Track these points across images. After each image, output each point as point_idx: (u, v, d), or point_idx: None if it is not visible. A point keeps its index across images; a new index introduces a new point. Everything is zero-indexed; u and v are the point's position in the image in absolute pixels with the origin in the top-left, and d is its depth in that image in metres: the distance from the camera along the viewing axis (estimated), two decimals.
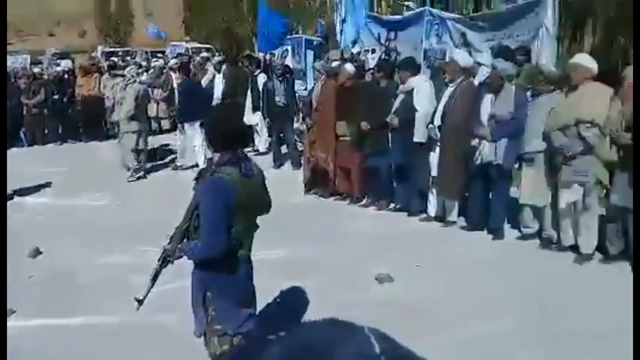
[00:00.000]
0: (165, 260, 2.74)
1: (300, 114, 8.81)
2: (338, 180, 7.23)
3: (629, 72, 5.02)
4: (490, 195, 5.61)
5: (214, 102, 9.67)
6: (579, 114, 4.69)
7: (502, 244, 5.39)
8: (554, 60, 6.80)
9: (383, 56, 9.07)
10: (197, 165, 8.61)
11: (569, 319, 3.76)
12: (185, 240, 2.69)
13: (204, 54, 15.67)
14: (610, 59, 9.02)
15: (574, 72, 4.87)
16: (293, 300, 4.26)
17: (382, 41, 9.53)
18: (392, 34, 9.38)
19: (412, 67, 6.48)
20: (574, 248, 4.89)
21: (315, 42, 11.95)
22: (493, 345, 3.52)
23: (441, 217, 6.03)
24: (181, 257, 2.69)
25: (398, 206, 6.59)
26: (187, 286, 2.82)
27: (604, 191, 4.71)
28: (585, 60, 4.92)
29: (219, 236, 2.54)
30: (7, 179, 6.83)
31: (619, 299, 3.97)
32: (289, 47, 12.01)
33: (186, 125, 9.14)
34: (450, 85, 5.84)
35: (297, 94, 10.04)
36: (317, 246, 5.41)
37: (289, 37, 12.63)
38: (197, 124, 8.40)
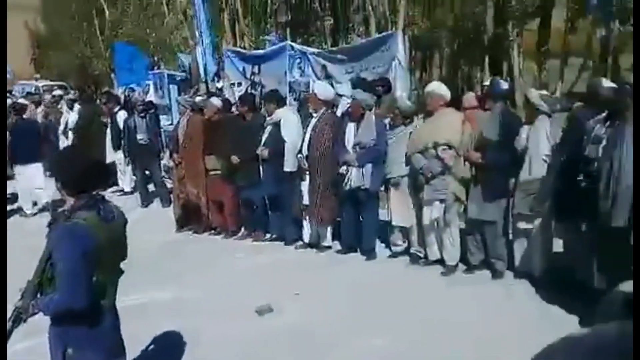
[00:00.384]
0: (18, 318, 2.42)
1: (167, 150, 8.53)
2: (211, 214, 7.06)
3: (467, 97, 5.55)
4: (361, 218, 5.80)
5: (68, 142, 9.03)
6: (436, 137, 5.05)
7: (375, 263, 5.58)
8: (407, 89, 7.29)
9: (249, 90, 9.13)
10: (44, 210, 7.95)
11: (443, 329, 3.94)
12: (39, 294, 2.42)
13: (57, 92, 14.62)
14: (456, 87, 9.97)
15: (429, 99, 5.26)
16: (168, 345, 4.02)
17: (247, 75, 9.60)
18: (256, 68, 9.49)
19: (276, 99, 6.57)
20: (440, 261, 5.20)
21: (178, 77, 11.73)
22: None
23: (316, 243, 6.11)
24: (36, 313, 2.40)
25: (274, 236, 6.58)
26: (43, 344, 2.53)
27: (462, 206, 5.08)
28: (439, 88, 5.34)
29: (77, 287, 2.31)
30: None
31: (484, 304, 4.29)
32: (151, 83, 11.67)
33: (21, 168, 8.34)
34: (315, 115, 6.02)
35: (162, 130, 9.73)
36: (194, 284, 5.19)
37: (150, 72, 12.27)
38: (37, 165, 7.84)
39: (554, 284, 4.36)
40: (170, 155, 7.74)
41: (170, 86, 11.27)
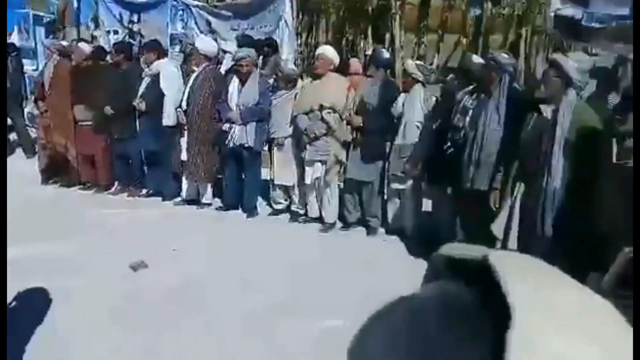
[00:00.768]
0: None
1: (32, 97, 7.83)
2: (81, 167, 6.62)
3: (353, 62, 5.70)
4: (244, 176, 5.78)
5: None
6: (322, 100, 5.13)
7: (256, 220, 5.63)
8: (293, 52, 7.30)
9: (127, 39, 8.59)
10: None
11: (321, 283, 4.08)
12: None
13: None
14: (340, 53, 10.18)
15: (320, 62, 5.31)
16: (33, 302, 3.76)
17: (125, 23, 9.02)
18: (135, 17, 8.94)
19: (156, 49, 6.28)
20: (319, 219, 5.37)
21: (45, 19, 10.70)
22: (260, 318, 3.61)
23: (196, 200, 6.00)
24: None
25: (151, 191, 6.35)
26: None
27: (342, 167, 5.26)
28: (330, 52, 5.41)
29: None
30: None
31: (358, 259, 4.51)
32: (15, 24, 10.54)
33: None
34: (196, 70, 5.85)
35: (26, 75, 8.88)
36: (62, 241, 4.87)
37: (14, 10, 11.05)
38: None
39: (422, 240, 4.70)
40: (35, 103, 7.12)
41: (36, 28, 10.27)
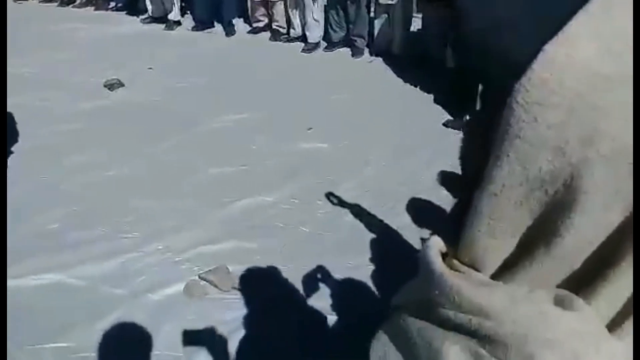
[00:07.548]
0: None
1: None
2: None
3: None
4: None
5: None
6: None
7: (234, 39, 5.30)
8: None
9: None
10: None
11: (304, 103, 3.94)
12: None
13: None
14: None
15: None
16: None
17: None
18: None
19: None
20: (302, 38, 5.04)
21: None
22: (236, 132, 3.54)
23: (163, 18, 5.56)
24: None
25: (120, 5, 5.86)
26: None
27: None
28: None
29: None
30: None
31: (344, 80, 4.32)
32: None
33: None
34: None
35: None
36: (30, 57, 4.56)
37: None
38: None
39: (410, 60, 4.45)
40: None
41: None
